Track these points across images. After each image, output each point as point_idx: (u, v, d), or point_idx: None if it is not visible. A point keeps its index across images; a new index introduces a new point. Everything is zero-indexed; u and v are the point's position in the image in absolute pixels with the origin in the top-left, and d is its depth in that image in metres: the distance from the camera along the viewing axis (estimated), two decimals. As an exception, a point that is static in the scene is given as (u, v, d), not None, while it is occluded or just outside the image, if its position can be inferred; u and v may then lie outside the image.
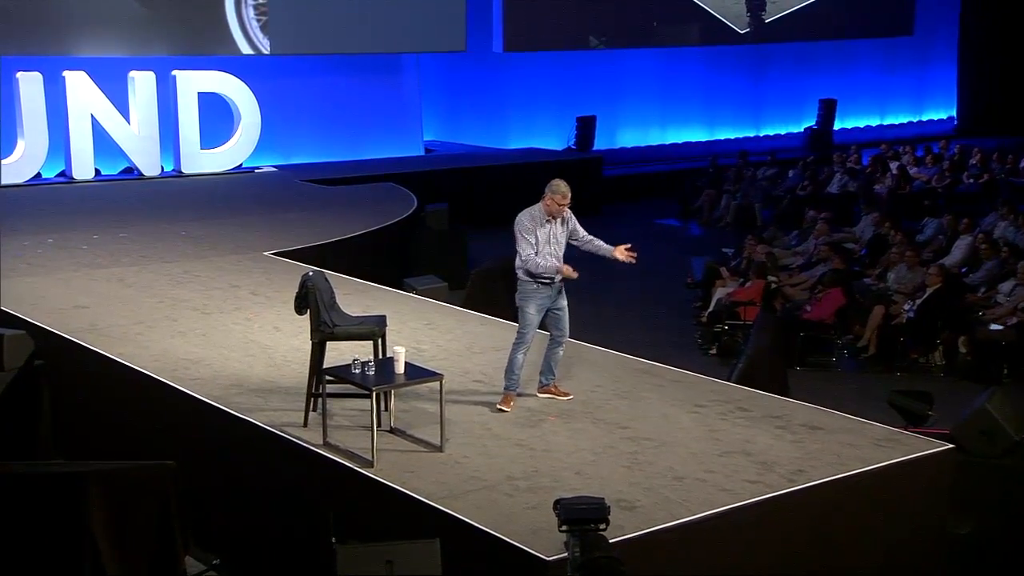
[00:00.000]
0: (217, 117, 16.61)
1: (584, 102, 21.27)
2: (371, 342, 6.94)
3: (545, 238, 6.88)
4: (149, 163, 16.16)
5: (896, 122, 26.02)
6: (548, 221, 6.90)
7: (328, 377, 6.50)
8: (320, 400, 6.58)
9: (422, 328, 8.82)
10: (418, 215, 14.05)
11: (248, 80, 16.80)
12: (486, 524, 5.48)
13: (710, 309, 11.96)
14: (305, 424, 6.70)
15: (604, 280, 13.36)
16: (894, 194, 17.66)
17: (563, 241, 6.98)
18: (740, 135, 23.75)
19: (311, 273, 6.92)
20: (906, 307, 11.32)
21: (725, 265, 13.21)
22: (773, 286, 12.04)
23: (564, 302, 7.06)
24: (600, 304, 12.71)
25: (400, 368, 6.37)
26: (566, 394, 7.21)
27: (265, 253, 11.35)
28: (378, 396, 6.32)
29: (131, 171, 16.29)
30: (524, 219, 6.91)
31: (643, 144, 22.58)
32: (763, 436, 6.60)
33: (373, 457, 6.13)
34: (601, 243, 7.13)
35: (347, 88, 18.77)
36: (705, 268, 13.23)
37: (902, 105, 26.16)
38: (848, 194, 17.80)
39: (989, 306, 11.32)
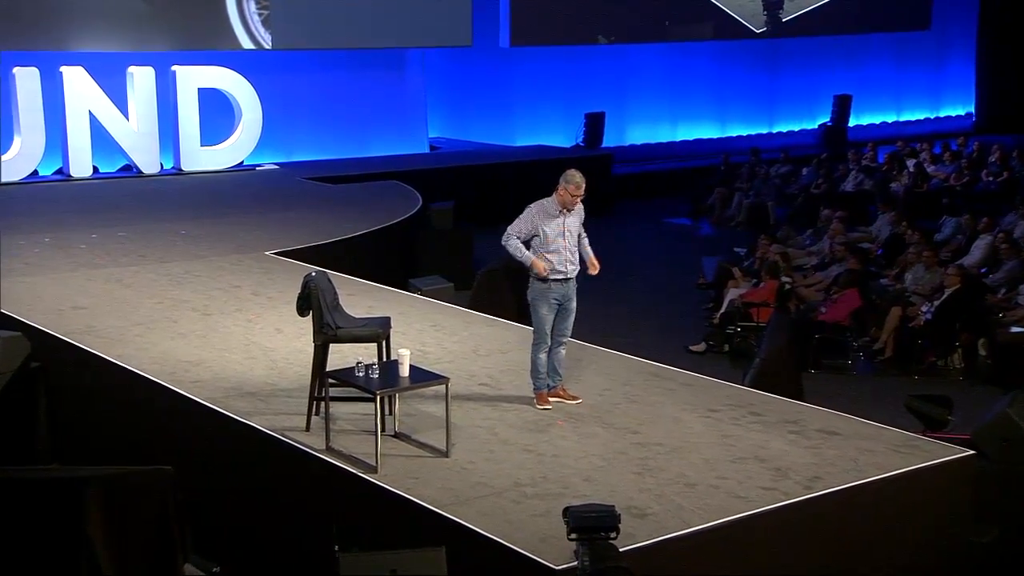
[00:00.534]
0: (217, 113, 16.61)
1: (593, 98, 21.23)
2: (375, 344, 6.92)
3: (558, 231, 6.87)
4: (148, 160, 16.17)
5: (913, 118, 25.94)
6: (561, 213, 6.87)
7: (331, 380, 6.49)
8: (323, 404, 6.56)
9: (427, 330, 8.81)
10: (423, 214, 14.03)
11: (249, 75, 16.80)
12: (493, 532, 5.46)
13: (722, 310, 11.92)
14: (307, 428, 6.69)
15: (614, 280, 13.36)
16: (911, 192, 17.60)
17: (577, 232, 6.96)
18: (753, 132, 23.70)
19: (314, 274, 6.91)
20: (924, 309, 11.27)
21: (737, 265, 13.17)
22: (787, 287, 12.00)
23: (574, 304, 7.05)
24: (609, 305, 12.69)
25: (405, 371, 6.36)
26: (575, 398, 7.19)
27: (267, 253, 11.34)
28: (382, 400, 6.31)
29: (130, 169, 16.31)
30: (534, 208, 6.94)
31: (653, 141, 22.54)
32: (777, 441, 6.57)
33: (377, 463, 6.11)
34: (589, 251, 7.10)
35: (350, 84, 18.75)
36: (717, 268, 13.20)
37: (919, 101, 26.09)
38: (864, 192, 17.75)
39: (1009, 307, 11.27)
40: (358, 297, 9.47)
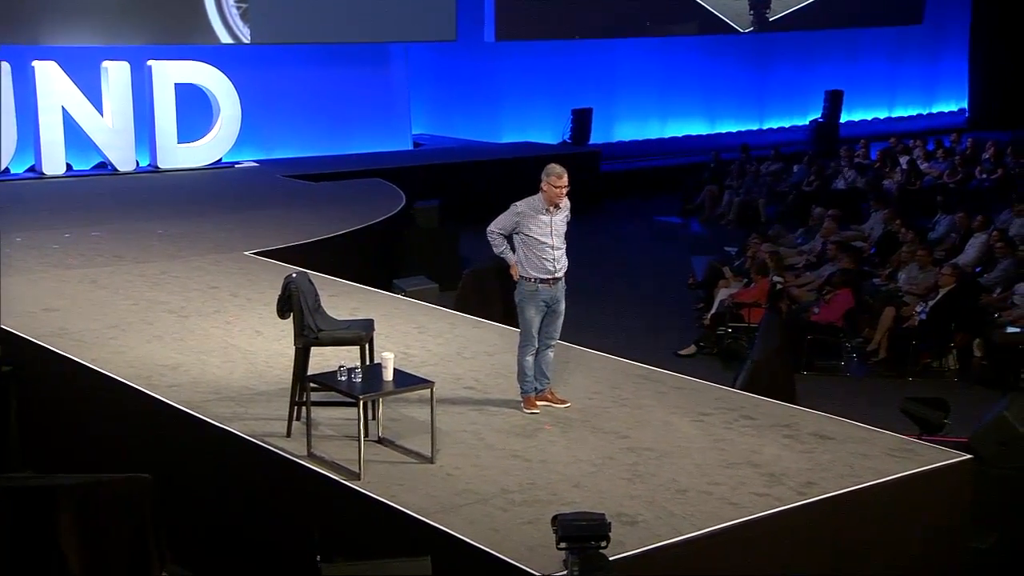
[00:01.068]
0: (195, 109, 16.53)
1: (580, 94, 21.23)
2: (358, 347, 6.88)
3: (545, 231, 6.85)
4: (123, 158, 16.08)
5: (905, 114, 26.04)
6: (548, 211, 6.85)
7: (312, 385, 6.45)
8: (304, 409, 6.53)
9: (411, 332, 8.78)
10: (407, 212, 14.02)
11: (228, 71, 16.73)
12: (480, 540, 5.43)
13: (712, 311, 11.91)
14: (288, 434, 6.65)
15: (602, 280, 13.36)
16: (904, 190, 17.64)
17: (564, 229, 6.95)
18: (743, 128, 23.74)
19: (294, 275, 6.86)
20: (918, 309, 11.29)
21: (728, 265, 13.18)
22: (778, 287, 12.00)
23: (563, 306, 7.03)
24: (598, 305, 12.67)
25: (388, 375, 6.33)
26: (563, 401, 7.17)
27: (246, 253, 11.30)
28: (365, 405, 6.27)
29: (104, 166, 16.24)
30: (520, 205, 6.92)
31: (641, 138, 22.56)
32: (771, 446, 6.56)
33: (360, 469, 6.08)
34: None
35: (332, 79, 18.70)
36: (707, 268, 13.20)
37: (911, 97, 26.19)
38: (856, 190, 17.79)
39: (1005, 307, 11.29)
40: (340, 298, 9.44)
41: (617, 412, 7.12)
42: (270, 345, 8.32)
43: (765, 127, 24.18)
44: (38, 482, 6.20)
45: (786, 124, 24.42)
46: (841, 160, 19.22)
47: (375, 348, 7.01)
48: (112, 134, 15.99)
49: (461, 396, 7.34)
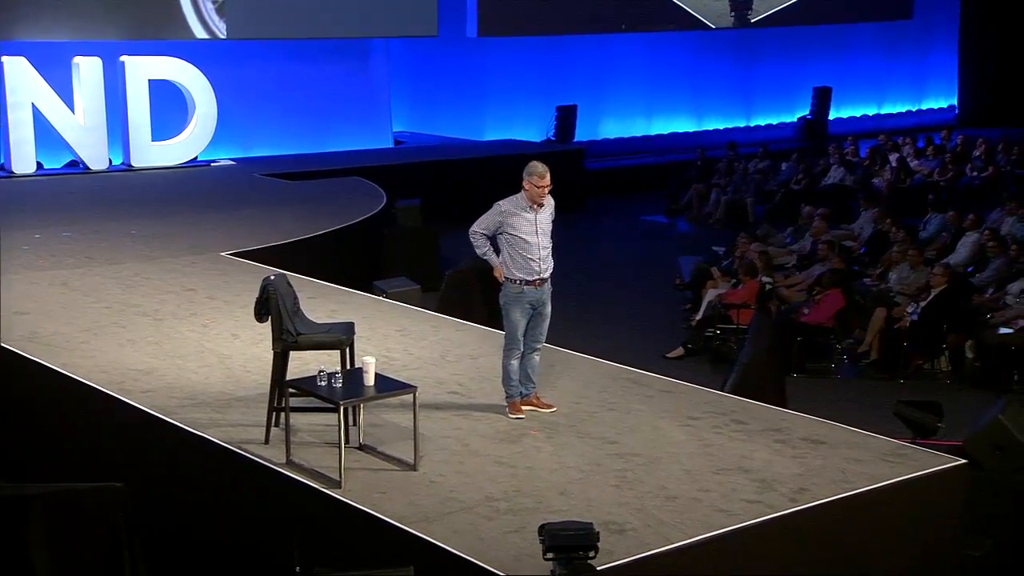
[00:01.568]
0: (169, 106, 16.44)
1: (564, 90, 21.23)
2: (338, 351, 6.84)
3: (530, 230, 6.82)
4: (95, 156, 15.99)
5: (894, 111, 26.15)
6: (532, 209, 6.82)
7: (291, 390, 6.41)
8: (283, 415, 6.48)
9: (393, 335, 8.74)
10: (388, 212, 13.98)
11: (203, 66, 16.65)
12: (464, 550, 5.40)
13: (701, 312, 11.91)
14: (266, 441, 6.61)
15: (587, 281, 13.35)
16: (894, 188, 17.70)
17: (549, 232, 6.92)
18: (730, 125, 23.79)
19: (272, 277, 6.81)
20: (909, 310, 11.31)
21: (716, 265, 13.19)
22: (768, 287, 12.01)
23: (549, 309, 7.01)
24: (583, 307, 12.66)
25: (370, 380, 6.29)
26: (549, 406, 7.14)
27: (222, 254, 11.25)
28: (346, 410, 6.24)
29: (76, 164, 16.16)
30: (503, 204, 6.88)
31: (627, 135, 22.57)
32: (762, 451, 6.55)
33: (341, 477, 6.04)
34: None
35: (310, 75, 18.65)
36: (695, 268, 13.21)
37: (901, 93, 26.29)
38: (845, 188, 17.83)
39: (998, 308, 11.33)
40: (319, 300, 9.40)
41: (604, 417, 7.09)
42: (247, 349, 8.28)
43: (753, 124, 24.24)
44: (7, 492, 6.14)
45: (774, 121, 24.47)
46: (830, 158, 19.27)
47: (356, 352, 6.98)
48: (84, 132, 15.89)
49: (444, 401, 7.30)
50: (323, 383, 6.20)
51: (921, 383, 10.71)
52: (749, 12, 22.39)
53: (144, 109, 16.15)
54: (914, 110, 26.47)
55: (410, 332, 8.84)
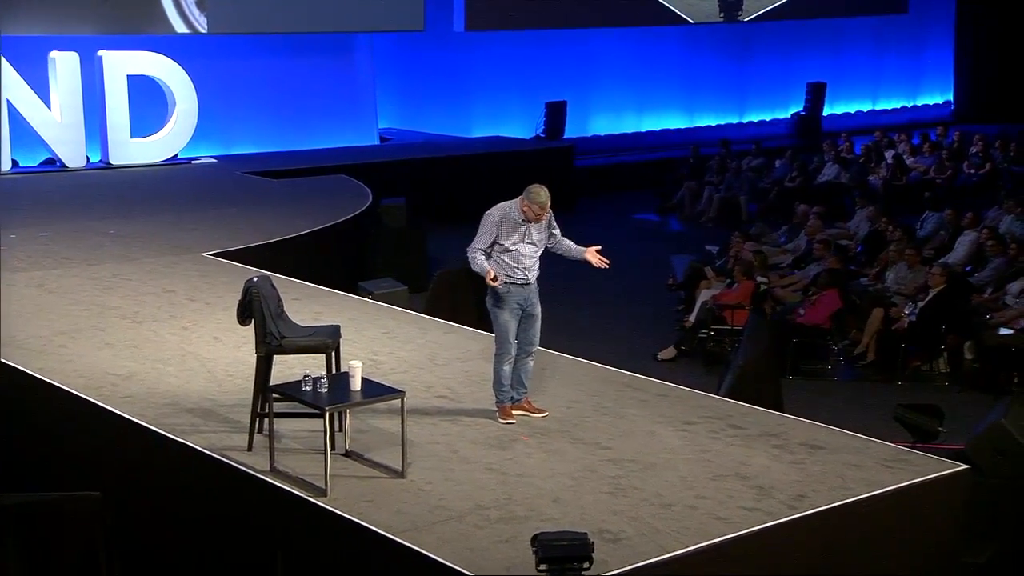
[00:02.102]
0: (149, 103, 16.38)
1: (553, 86, 21.20)
2: (323, 355, 6.79)
3: (521, 237, 6.79)
4: (73, 153, 15.93)
5: (889, 107, 26.20)
6: (525, 221, 6.80)
7: (275, 395, 6.36)
8: (267, 421, 6.43)
9: (379, 337, 8.71)
10: (373, 211, 13.95)
11: (183, 62, 16.60)
12: (454, 560, 5.35)
13: (694, 313, 11.87)
14: (249, 448, 6.56)
15: (578, 282, 13.25)
16: (890, 186, 17.70)
17: (540, 238, 6.88)
18: (722, 122, 23.80)
19: (256, 279, 6.76)
20: (907, 310, 11.30)
21: (709, 264, 13.15)
22: (763, 288, 11.98)
23: (538, 309, 6.97)
24: (574, 308, 12.62)
25: (356, 384, 6.24)
26: (540, 411, 7.11)
27: (203, 254, 11.20)
28: (332, 416, 6.20)
29: (53, 162, 16.11)
30: (495, 215, 6.83)
31: (617, 132, 22.56)
32: (759, 457, 6.52)
33: (326, 485, 5.99)
34: (571, 244, 7.09)
35: (293, 71, 18.61)
36: (688, 268, 13.17)
37: (896, 89, 26.35)
38: (839, 185, 17.84)
39: (997, 308, 11.32)
40: (303, 302, 9.36)
41: (598, 422, 7.05)
42: (230, 353, 8.23)
43: (745, 120, 24.25)
44: (-19, 501, 6.08)
45: (767, 117, 24.49)
46: (825, 155, 19.28)
47: (342, 356, 6.94)
48: (61, 128, 15.84)
49: (433, 406, 7.26)
50: (308, 388, 6.16)
51: (919, 385, 10.71)
52: (739, 13, 22.38)
53: (123, 105, 16.09)
54: (909, 106, 26.52)
55: (397, 335, 8.80)
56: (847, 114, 25.37)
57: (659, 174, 19.69)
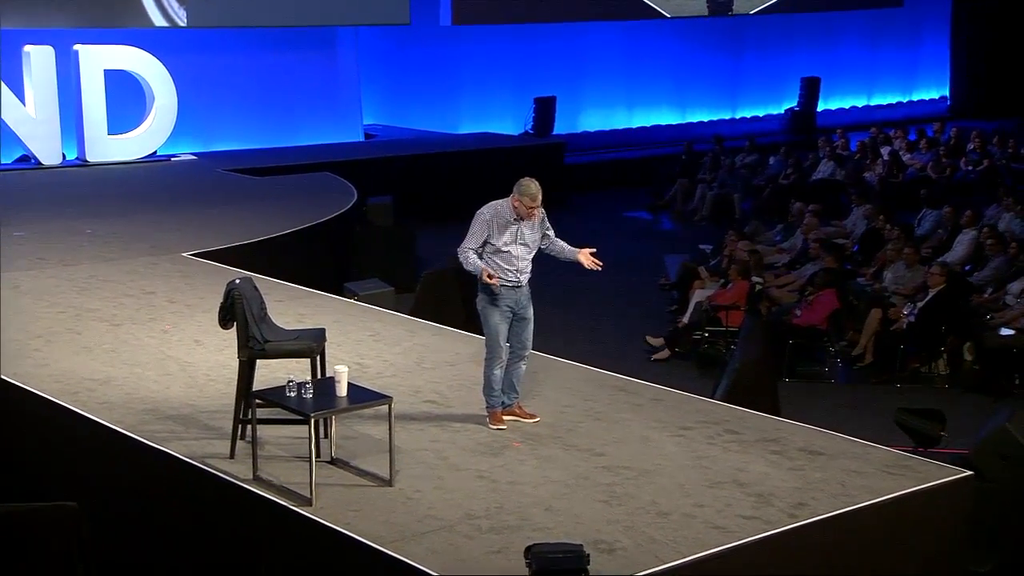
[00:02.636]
0: (127, 98, 16.33)
1: (543, 81, 21.19)
2: (308, 359, 6.73)
3: (512, 237, 6.74)
4: (48, 150, 15.87)
5: (884, 102, 26.25)
6: (517, 220, 6.75)
7: (258, 401, 6.31)
8: (249, 427, 6.39)
9: (366, 340, 8.67)
10: (358, 209, 13.92)
11: (162, 56, 16.54)
12: (443, 571, 5.31)
13: (688, 314, 11.84)
14: (232, 455, 6.51)
15: (568, 281, 13.21)
16: (886, 183, 17.70)
17: (533, 239, 6.84)
18: (715, 117, 23.82)
19: (238, 281, 6.70)
20: (905, 311, 11.28)
21: (703, 264, 13.13)
22: (758, 288, 11.96)
23: (531, 312, 6.93)
24: (565, 309, 12.59)
25: (342, 390, 6.20)
26: (532, 416, 7.06)
27: (184, 254, 11.17)
28: (317, 422, 6.15)
29: (27, 159, 16.05)
30: (486, 213, 6.80)
31: (608, 128, 22.57)
32: (757, 463, 6.48)
33: (311, 494, 5.95)
34: (564, 245, 7.08)
35: (276, 66, 18.57)
36: (681, 268, 13.15)
37: (891, 83, 26.41)
38: (835, 183, 17.83)
39: (997, 308, 11.32)
40: (287, 304, 9.33)
41: (591, 427, 7.01)
42: (211, 356, 8.19)
43: (739, 116, 24.27)
44: (-47, 512, 6.00)
45: (760, 113, 24.52)
46: (819, 151, 19.28)
47: (327, 360, 6.90)
48: (35, 124, 15.76)
49: (421, 411, 7.22)
50: (292, 393, 6.12)
51: (918, 387, 10.71)
52: (729, 12, 22.35)
53: (100, 101, 16.02)
54: (904, 101, 26.60)
55: (384, 337, 8.76)
56: (842, 109, 25.42)
57: (651, 171, 19.68)
